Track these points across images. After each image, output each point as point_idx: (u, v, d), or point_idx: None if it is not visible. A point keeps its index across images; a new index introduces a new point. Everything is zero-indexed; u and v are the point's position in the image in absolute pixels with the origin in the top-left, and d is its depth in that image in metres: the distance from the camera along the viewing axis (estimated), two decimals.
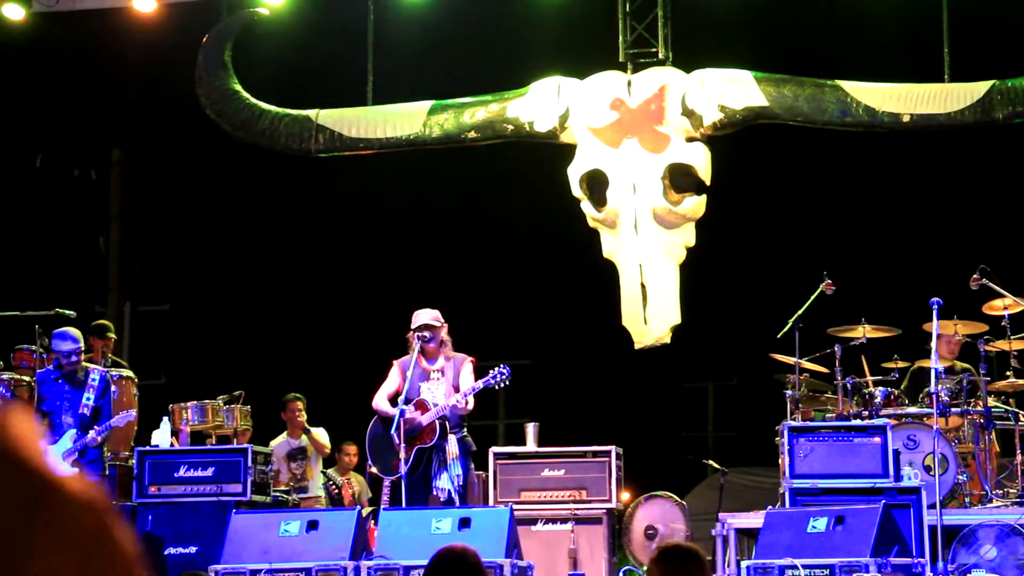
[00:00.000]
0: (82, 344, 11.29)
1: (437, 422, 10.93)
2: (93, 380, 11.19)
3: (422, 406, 10.96)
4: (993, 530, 10.69)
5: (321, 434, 14.32)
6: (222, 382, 13.76)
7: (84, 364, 11.33)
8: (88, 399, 11.11)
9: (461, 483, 10.98)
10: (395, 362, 11.23)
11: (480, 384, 10.89)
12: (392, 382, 11.18)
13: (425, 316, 11.15)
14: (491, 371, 10.90)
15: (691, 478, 16.34)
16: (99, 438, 11.16)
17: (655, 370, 15.54)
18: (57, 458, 11.03)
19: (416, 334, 11.08)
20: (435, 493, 10.98)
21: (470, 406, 11.01)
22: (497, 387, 10.94)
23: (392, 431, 11.01)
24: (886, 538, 10.23)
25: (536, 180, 15.18)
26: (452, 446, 10.99)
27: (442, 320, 11.18)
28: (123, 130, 17.58)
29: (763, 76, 14.35)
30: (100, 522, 1.93)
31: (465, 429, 11.15)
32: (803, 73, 14.36)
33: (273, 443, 13.97)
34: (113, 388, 12.44)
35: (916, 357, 12.67)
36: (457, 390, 11.04)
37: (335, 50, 15.43)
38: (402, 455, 10.87)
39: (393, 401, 11.06)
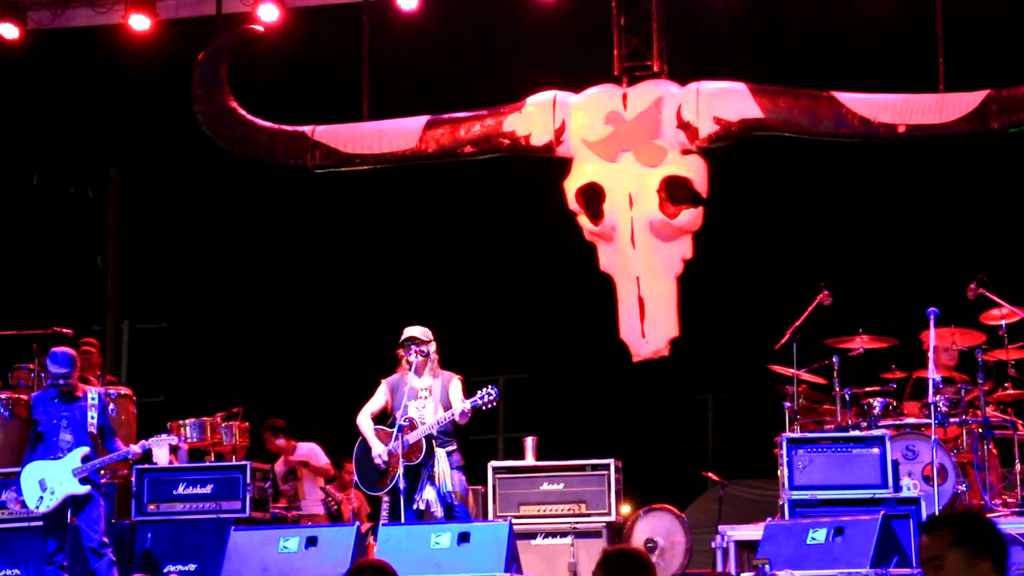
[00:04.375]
0: (74, 365, 11.25)
1: (424, 440, 10.93)
2: (92, 399, 11.18)
3: (412, 425, 10.95)
4: None
5: (312, 454, 14.35)
6: (221, 399, 13.75)
7: (78, 384, 11.29)
8: (92, 418, 11.11)
9: (452, 498, 10.96)
10: (382, 380, 11.21)
11: (468, 405, 10.86)
12: (378, 400, 11.16)
13: (414, 331, 11.15)
14: (479, 391, 10.89)
15: (691, 490, 16.31)
16: (107, 464, 11.20)
17: (654, 383, 15.52)
18: (67, 475, 10.97)
19: (404, 348, 11.09)
20: (416, 505, 10.93)
21: (465, 420, 11.00)
22: (484, 407, 10.93)
23: (359, 461, 11.05)
24: (886, 549, 10.21)
25: (532, 194, 15.19)
26: (442, 460, 10.98)
27: (431, 336, 11.17)
28: (119, 148, 17.58)
29: (758, 88, 14.37)
30: None
31: (455, 443, 11.13)
32: (798, 84, 14.38)
33: (277, 464, 14.07)
34: (112, 406, 12.43)
35: (914, 367, 12.67)
36: (446, 408, 11.02)
37: (331, 66, 15.45)
38: (400, 470, 10.86)
39: (377, 419, 11.10)
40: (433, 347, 11.12)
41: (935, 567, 4.95)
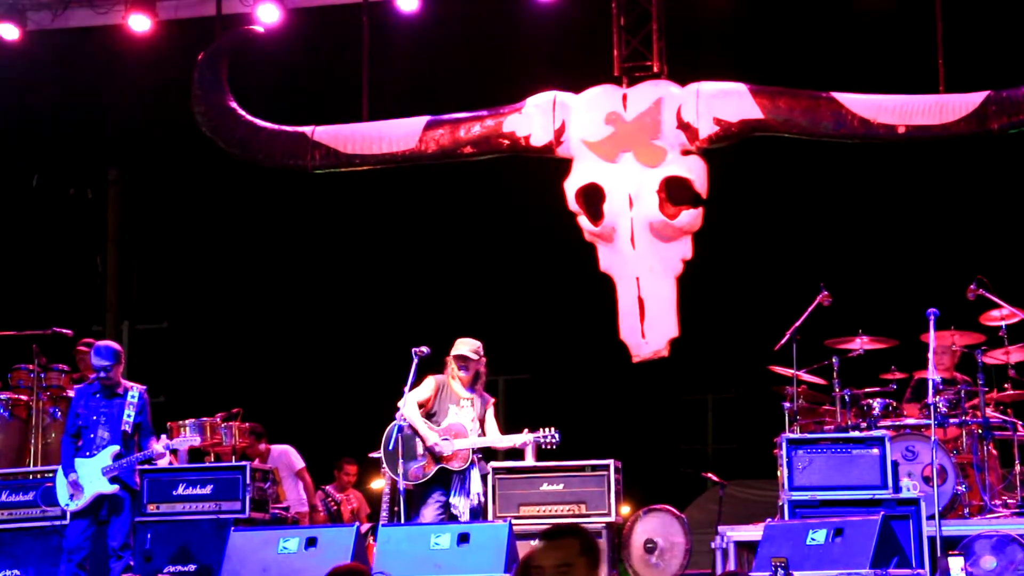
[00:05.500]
0: (117, 359, 11.21)
1: (470, 450, 11.19)
2: (133, 397, 11.17)
3: (460, 431, 11.19)
4: (992, 540, 10.67)
5: (285, 455, 14.33)
6: (221, 400, 13.75)
7: (121, 380, 11.28)
8: (129, 416, 11.10)
9: (481, 502, 11.21)
10: (431, 376, 11.42)
11: (531, 440, 11.25)
12: (424, 392, 11.40)
13: (464, 347, 11.41)
14: (543, 431, 11.23)
15: (690, 491, 16.31)
16: (134, 464, 11.21)
17: (653, 383, 15.53)
18: (97, 473, 10.96)
19: (457, 361, 11.38)
20: (452, 511, 11.16)
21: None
22: (544, 446, 11.27)
23: (390, 446, 11.12)
24: (885, 550, 10.21)
25: (532, 195, 15.19)
26: (475, 469, 11.26)
27: (481, 354, 11.41)
28: (119, 149, 17.57)
29: (758, 89, 14.36)
30: None
31: (482, 452, 11.43)
32: (798, 85, 14.38)
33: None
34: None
35: (914, 368, 12.67)
36: (482, 423, 11.39)
37: (330, 67, 15.44)
38: (400, 469, 10.99)
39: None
40: (482, 364, 11.43)
41: (563, 573, 5.30)
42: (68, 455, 11.10)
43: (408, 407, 11.31)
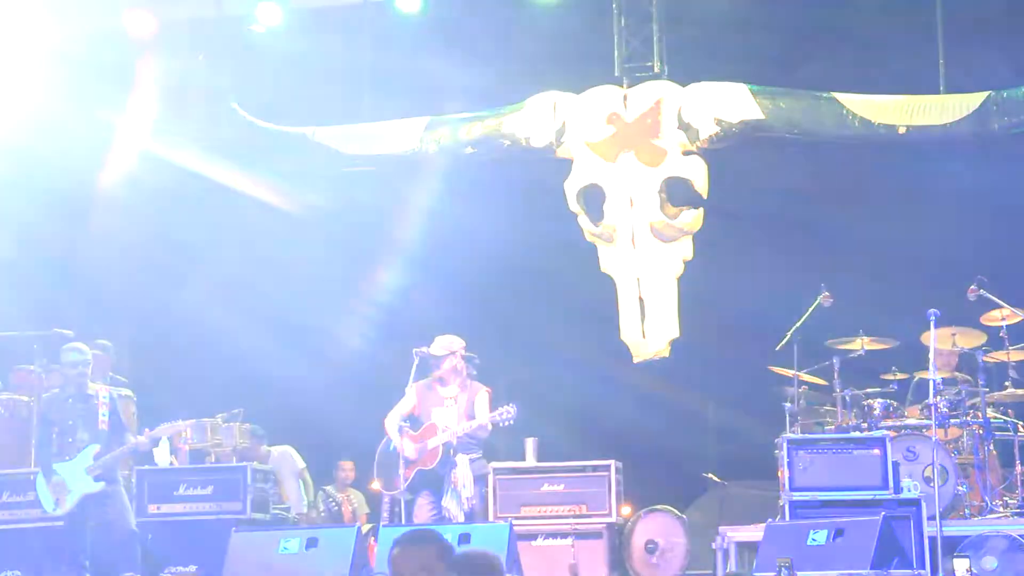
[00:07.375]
0: (89, 356, 11.29)
1: (441, 447, 11.01)
2: (104, 398, 11.21)
3: (431, 431, 11.07)
4: (993, 540, 10.68)
5: (284, 457, 14.35)
6: (221, 399, 13.74)
7: (88, 381, 11.31)
8: (104, 415, 11.14)
9: (472, 506, 11.04)
10: (413, 384, 11.26)
11: (487, 421, 10.98)
12: (407, 403, 11.25)
13: (435, 345, 11.24)
14: (499, 409, 11.01)
15: (691, 491, 16.27)
16: (118, 459, 11.22)
17: (654, 383, 15.50)
18: (81, 473, 10.96)
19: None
20: (442, 513, 11.06)
21: (485, 433, 11.13)
22: (502, 424, 11.04)
23: (392, 449, 11.10)
24: (886, 550, 10.23)
25: (533, 195, 15.18)
26: (464, 468, 11.04)
27: (452, 349, 11.21)
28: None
29: (759, 89, 14.37)
30: None
31: (479, 451, 11.22)
32: (799, 86, 14.38)
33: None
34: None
35: (915, 368, 12.68)
36: (469, 419, 11.15)
37: (331, 66, 15.42)
38: (401, 472, 10.93)
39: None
40: (456, 360, 11.18)
41: None
42: (46, 462, 11.10)
43: (388, 418, 11.25)
